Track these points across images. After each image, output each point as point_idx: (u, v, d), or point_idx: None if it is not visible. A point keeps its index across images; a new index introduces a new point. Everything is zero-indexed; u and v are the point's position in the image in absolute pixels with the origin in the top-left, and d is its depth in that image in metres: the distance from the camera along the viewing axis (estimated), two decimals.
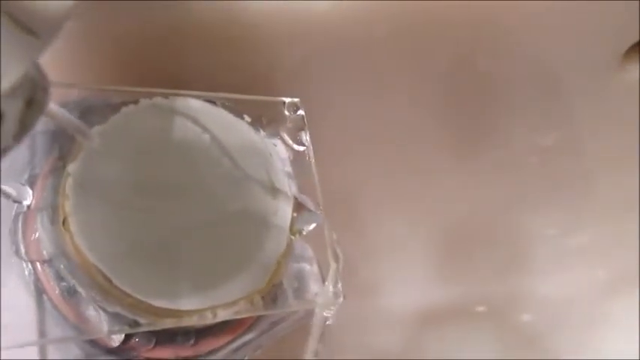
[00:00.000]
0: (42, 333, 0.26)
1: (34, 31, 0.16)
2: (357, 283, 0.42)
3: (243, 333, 0.31)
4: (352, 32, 0.44)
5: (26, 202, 0.27)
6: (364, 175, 0.44)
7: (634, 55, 0.47)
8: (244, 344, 0.32)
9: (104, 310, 0.26)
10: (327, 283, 0.31)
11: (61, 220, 0.27)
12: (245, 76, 0.42)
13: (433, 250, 0.45)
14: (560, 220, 0.48)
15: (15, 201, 0.27)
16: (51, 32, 0.17)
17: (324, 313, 0.31)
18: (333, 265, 0.32)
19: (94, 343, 0.28)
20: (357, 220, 0.43)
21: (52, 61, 0.35)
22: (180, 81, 0.40)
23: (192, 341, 0.30)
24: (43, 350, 0.26)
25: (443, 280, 0.44)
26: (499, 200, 0.47)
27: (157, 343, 0.29)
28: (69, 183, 0.27)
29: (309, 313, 0.33)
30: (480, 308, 0.45)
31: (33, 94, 0.18)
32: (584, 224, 0.48)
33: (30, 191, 0.27)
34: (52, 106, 0.21)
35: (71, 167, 0.28)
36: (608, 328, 0.46)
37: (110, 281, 0.26)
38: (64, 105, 0.24)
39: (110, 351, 0.28)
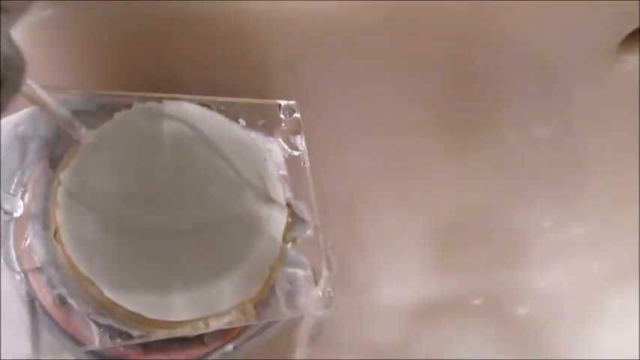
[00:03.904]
0: (36, 342, 0.26)
1: (4, 7, 0.17)
2: (352, 278, 0.42)
3: (234, 338, 0.32)
4: (346, 25, 0.43)
5: (16, 215, 0.26)
6: (359, 168, 0.43)
7: (630, 46, 0.46)
8: (235, 348, 0.32)
9: (96, 322, 0.26)
10: (318, 291, 0.31)
11: (52, 230, 0.27)
12: (239, 68, 0.41)
13: (429, 244, 0.45)
14: (556, 212, 0.47)
15: (6, 212, 0.26)
16: (20, 9, 0.18)
17: (313, 321, 0.32)
18: (325, 273, 0.32)
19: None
20: (352, 214, 0.43)
21: (45, 56, 0.35)
22: (174, 75, 0.39)
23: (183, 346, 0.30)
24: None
25: (439, 273, 0.44)
26: (495, 193, 0.46)
27: (149, 349, 0.29)
28: (60, 191, 0.27)
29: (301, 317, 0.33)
30: (477, 301, 0.45)
31: (5, 73, 0.18)
32: (581, 217, 0.47)
33: (21, 202, 0.26)
34: (38, 90, 0.21)
35: (63, 175, 0.27)
36: (605, 321, 0.45)
37: (102, 292, 0.26)
38: None
39: (104, 358, 0.29)
